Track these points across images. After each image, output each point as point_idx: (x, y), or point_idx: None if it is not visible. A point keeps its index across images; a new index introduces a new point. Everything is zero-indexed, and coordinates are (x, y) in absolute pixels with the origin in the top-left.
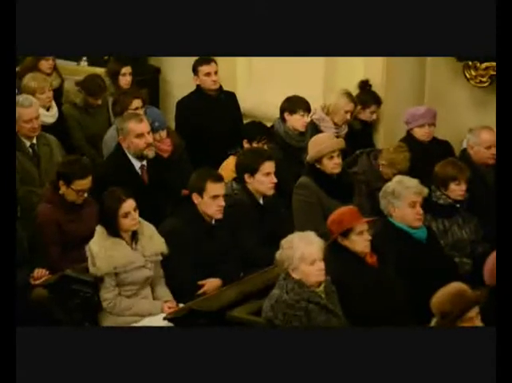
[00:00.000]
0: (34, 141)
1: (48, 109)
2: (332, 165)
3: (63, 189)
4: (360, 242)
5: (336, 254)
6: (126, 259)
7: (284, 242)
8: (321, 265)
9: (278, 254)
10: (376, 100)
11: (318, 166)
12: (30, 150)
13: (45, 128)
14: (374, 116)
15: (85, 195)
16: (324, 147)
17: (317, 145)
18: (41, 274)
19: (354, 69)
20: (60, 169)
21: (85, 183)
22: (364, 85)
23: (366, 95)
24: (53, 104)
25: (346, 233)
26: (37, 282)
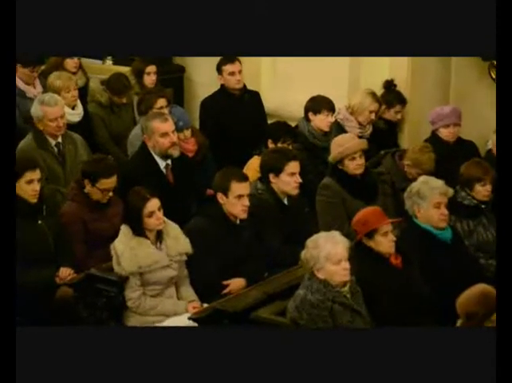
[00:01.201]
0: (59, 140)
1: (73, 108)
2: (354, 166)
3: (88, 188)
4: (384, 242)
5: (360, 255)
6: (151, 259)
7: (309, 241)
8: (347, 265)
9: (303, 254)
10: (401, 100)
11: (341, 167)
12: (55, 149)
13: (70, 126)
14: (399, 116)
15: (110, 194)
16: (346, 148)
17: (338, 146)
18: (66, 273)
19: (379, 69)
20: (85, 168)
21: (110, 182)
22: (389, 85)
23: (391, 95)
24: (78, 102)
25: (371, 234)
26: (63, 281)
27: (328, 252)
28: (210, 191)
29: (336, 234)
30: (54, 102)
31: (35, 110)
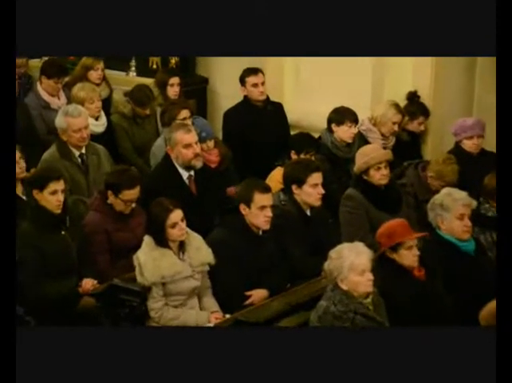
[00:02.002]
0: (83, 151)
1: (97, 119)
2: (380, 176)
3: (111, 199)
4: (408, 256)
5: (383, 267)
6: (173, 269)
7: (332, 252)
8: (370, 275)
9: (327, 265)
10: (424, 112)
11: (365, 177)
12: (79, 159)
13: (94, 137)
14: (422, 128)
15: (133, 205)
16: (371, 158)
17: (364, 156)
18: (89, 284)
19: (402, 80)
20: (108, 179)
21: (133, 193)
22: (412, 96)
23: (414, 106)
24: (102, 114)
25: (395, 247)
26: (86, 291)
27: (352, 263)
28: (230, 190)
29: (359, 245)
30: (78, 113)
31: (59, 121)
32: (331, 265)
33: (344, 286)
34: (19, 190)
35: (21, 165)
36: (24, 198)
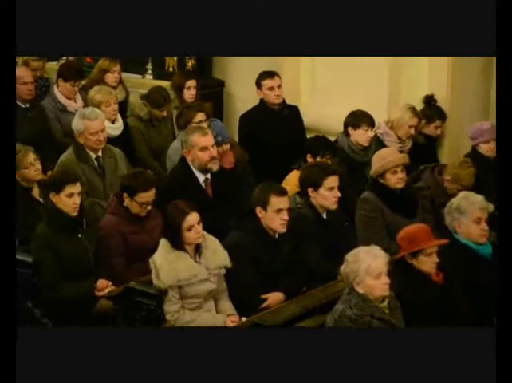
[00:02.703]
0: (100, 153)
1: (113, 122)
2: (396, 180)
3: (127, 201)
4: (427, 263)
5: (401, 271)
6: (190, 272)
7: (349, 255)
8: (386, 279)
9: (343, 268)
10: (441, 115)
11: (382, 181)
12: (96, 162)
13: (110, 140)
14: (438, 131)
15: (149, 207)
16: (388, 161)
17: (380, 160)
18: (104, 285)
19: (419, 84)
20: (124, 182)
21: (149, 195)
22: (429, 100)
23: (431, 109)
24: (119, 116)
25: (415, 253)
26: (101, 293)
27: (368, 266)
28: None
29: (376, 249)
30: (95, 116)
31: (76, 124)
32: (347, 268)
33: (360, 290)
34: (36, 192)
35: (36, 167)
36: (41, 200)
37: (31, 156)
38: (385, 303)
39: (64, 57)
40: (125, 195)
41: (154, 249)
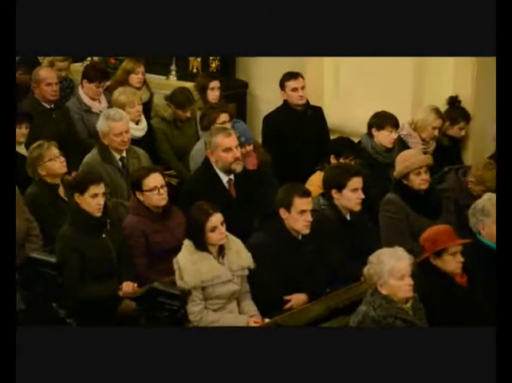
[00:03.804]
0: (124, 154)
1: (137, 123)
2: (420, 181)
3: (142, 198)
4: (452, 263)
5: (425, 273)
6: (213, 273)
7: (372, 257)
8: (410, 280)
9: (367, 269)
10: (465, 117)
11: (405, 182)
12: (120, 163)
13: (134, 141)
14: (463, 133)
15: (164, 194)
16: (412, 162)
17: (404, 161)
18: (129, 287)
19: (443, 85)
20: (130, 181)
21: (155, 180)
22: (453, 101)
23: (455, 111)
24: (143, 117)
25: (439, 253)
26: (126, 294)
27: (392, 267)
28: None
29: (399, 250)
30: (119, 117)
31: (101, 125)
32: (371, 270)
33: (383, 291)
34: (61, 191)
35: (61, 159)
36: (66, 199)
37: (54, 150)
38: (409, 304)
39: (89, 58)
40: (137, 193)
41: (176, 248)
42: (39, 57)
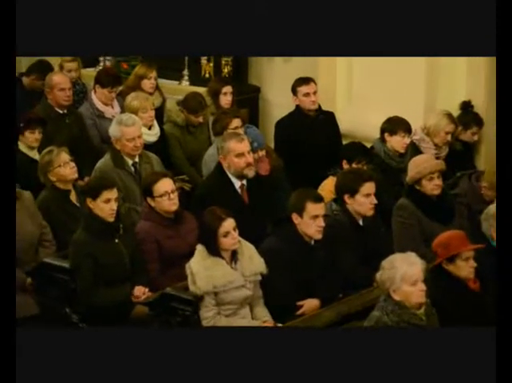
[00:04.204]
0: (136, 159)
1: (149, 128)
2: (432, 186)
3: (153, 203)
4: (465, 268)
5: (438, 278)
6: (226, 279)
7: (385, 262)
8: (423, 286)
9: (379, 275)
10: (478, 122)
11: (418, 187)
12: (132, 168)
13: (147, 146)
14: (475, 138)
15: (175, 197)
16: (424, 168)
17: (416, 166)
18: (141, 292)
19: (455, 90)
20: (142, 187)
21: (165, 185)
22: (466, 106)
23: (468, 116)
24: (155, 123)
25: (452, 258)
26: (138, 300)
27: (405, 273)
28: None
29: (412, 255)
30: (132, 122)
31: (113, 130)
32: (383, 275)
33: (396, 297)
34: (73, 197)
35: (71, 165)
36: (77, 204)
37: (65, 156)
38: (422, 310)
39: (102, 64)
40: (149, 199)
41: (188, 253)
42: (46, 58)
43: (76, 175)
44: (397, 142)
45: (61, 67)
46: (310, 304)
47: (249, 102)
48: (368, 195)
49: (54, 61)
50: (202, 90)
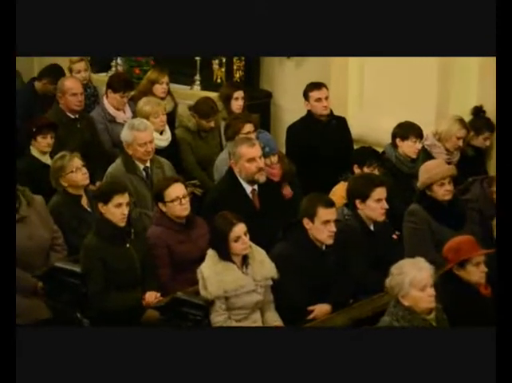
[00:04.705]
0: (148, 164)
1: (161, 133)
2: (443, 192)
3: (164, 209)
4: (476, 273)
5: (449, 284)
6: (237, 283)
7: (394, 268)
8: (432, 291)
9: (388, 281)
10: (490, 127)
11: (429, 193)
12: (144, 173)
13: (158, 151)
14: (487, 143)
15: (187, 203)
16: (435, 173)
17: (427, 172)
18: (152, 297)
19: (467, 95)
20: (153, 193)
21: (177, 190)
22: (478, 111)
23: (479, 121)
24: (167, 127)
25: (462, 263)
26: (149, 304)
27: (413, 278)
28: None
29: (421, 261)
30: (144, 127)
31: (125, 135)
32: (392, 281)
33: (405, 302)
34: (85, 202)
35: (83, 171)
36: (89, 209)
37: (77, 161)
38: (432, 315)
39: (114, 69)
40: (160, 204)
41: (199, 258)
42: (58, 62)
43: (87, 181)
44: (409, 147)
45: (70, 70)
46: (321, 309)
47: (260, 107)
48: (379, 201)
49: (63, 63)
50: (213, 95)
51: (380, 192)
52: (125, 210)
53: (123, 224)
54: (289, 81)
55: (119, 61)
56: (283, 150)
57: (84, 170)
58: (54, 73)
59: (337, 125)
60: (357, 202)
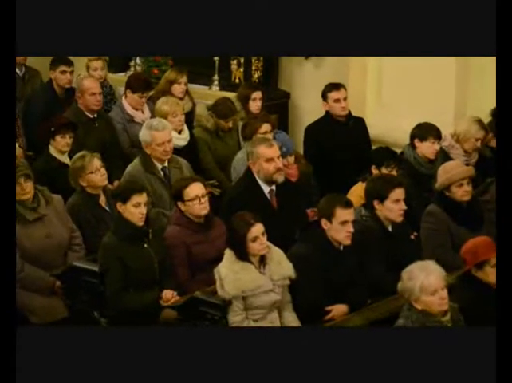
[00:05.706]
0: (166, 164)
1: (179, 133)
2: (462, 193)
3: (184, 208)
4: (494, 274)
5: (467, 285)
6: (254, 283)
7: (404, 273)
8: (443, 294)
9: (399, 286)
10: None
11: (447, 194)
12: (162, 173)
13: (176, 151)
14: None
15: (206, 202)
16: (454, 174)
17: (446, 172)
18: (169, 295)
19: (486, 96)
20: (172, 192)
21: (195, 189)
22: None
23: None
24: (185, 127)
25: (480, 264)
26: (167, 303)
27: (422, 284)
28: (311, 213)
29: (430, 264)
30: (162, 127)
31: (143, 135)
32: (403, 286)
33: (418, 306)
34: (103, 201)
35: (102, 172)
36: (107, 209)
37: (97, 162)
38: (447, 317)
39: (132, 69)
40: (179, 203)
41: (217, 258)
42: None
43: (106, 182)
44: (427, 148)
45: (88, 67)
46: (338, 309)
47: (278, 108)
48: (397, 201)
49: (80, 62)
50: (231, 95)
51: (398, 193)
52: (143, 209)
53: (141, 224)
54: (308, 82)
55: (137, 61)
56: (301, 150)
57: (104, 171)
58: (65, 60)
59: (355, 126)
60: (375, 203)
